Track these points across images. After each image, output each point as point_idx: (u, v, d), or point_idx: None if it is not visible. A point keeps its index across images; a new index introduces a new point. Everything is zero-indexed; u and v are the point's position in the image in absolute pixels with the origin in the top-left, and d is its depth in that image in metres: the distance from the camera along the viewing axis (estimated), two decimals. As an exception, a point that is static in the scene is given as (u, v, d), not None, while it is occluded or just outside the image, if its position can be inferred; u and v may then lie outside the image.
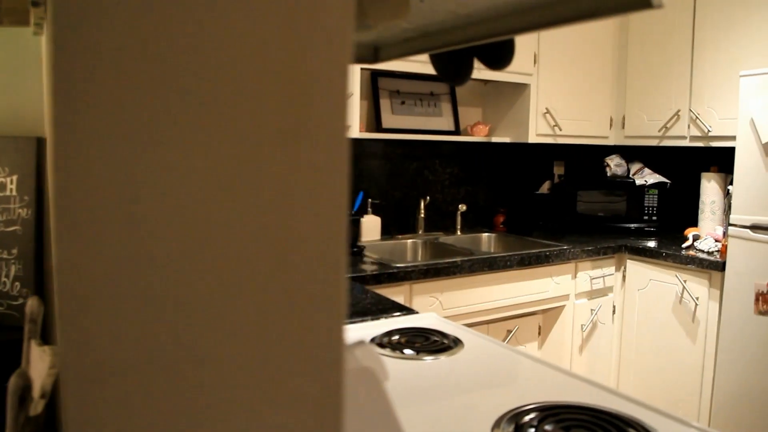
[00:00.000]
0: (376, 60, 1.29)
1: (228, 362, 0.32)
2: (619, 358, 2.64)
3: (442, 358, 1.20)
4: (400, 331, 1.35)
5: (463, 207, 2.75)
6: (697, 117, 2.57)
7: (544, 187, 3.02)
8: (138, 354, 0.30)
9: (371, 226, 2.52)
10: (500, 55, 1.02)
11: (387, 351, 1.25)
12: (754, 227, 2.05)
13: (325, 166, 0.32)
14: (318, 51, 0.32)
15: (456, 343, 1.28)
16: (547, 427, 0.90)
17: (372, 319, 1.45)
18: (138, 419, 0.30)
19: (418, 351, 1.25)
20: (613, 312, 2.62)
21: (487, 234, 2.79)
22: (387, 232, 2.66)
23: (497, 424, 0.91)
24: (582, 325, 2.50)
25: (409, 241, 2.57)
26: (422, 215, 2.68)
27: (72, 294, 0.27)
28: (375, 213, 2.59)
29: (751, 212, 2.05)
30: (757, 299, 2.03)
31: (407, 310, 1.50)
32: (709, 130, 2.53)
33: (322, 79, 0.32)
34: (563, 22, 0.81)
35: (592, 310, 2.52)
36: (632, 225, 2.86)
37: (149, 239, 0.29)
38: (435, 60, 1.12)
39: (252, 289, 0.32)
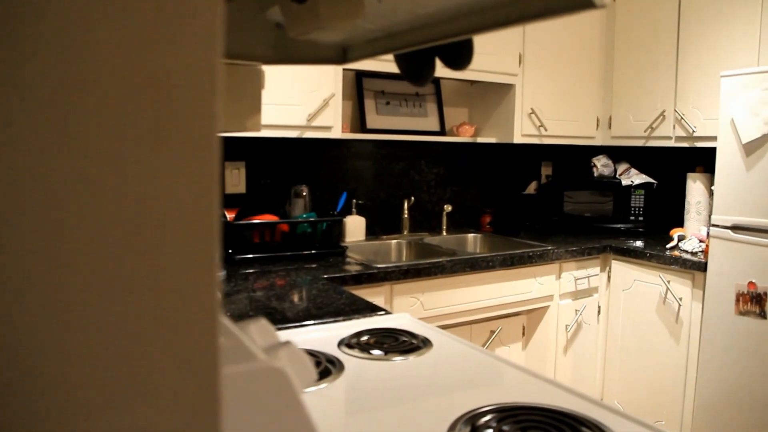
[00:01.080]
0: (344, 61, 1.29)
1: (95, 360, 0.32)
2: (605, 358, 2.64)
3: (410, 358, 1.20)
4: (369, 332, 1.35)
5: (448, 207, 2.74)
6: (682, 117, 2.57)
7: (531, 188, 3.02)
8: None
9: (355, 226, 2.52)
10: (459, 55, 1.03)
11: (355, 351, 1.25)
12: (735, 227, 2.04)
13: (191, 167, 0.32)
14: (181, 50, 0.32)
15: (425, 343, 1.28)
16: (505, 428, 0.90)
17: (344, 320, 1.45)
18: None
19: (386, 351, 1.24)
20: (598, 312, 2.62)
21: (473, 234, 2.79)
22: (372, 232, 2.66)
23: (453, 425, 0.91)
24: (566, 326, 2.49)
25: (394, 241, 2.57)
26: (405, 216, 2.68)
27: None
28: (359, 213, 2.59)
29: (732, 212, 2.05)
30: (737, 300, 2.03)
31: (380, 311, 1.49)
32: (693, 131, 2.53)
33: (185, 79, 0.32)
34: (514, 23, 0.83)
35: (576, 310, 2.52)
36: (619, 225, 2.85)
37: (4, 239, 0.29)
38: (399, 60, 1.12)
39: (119, 289, 0.32)
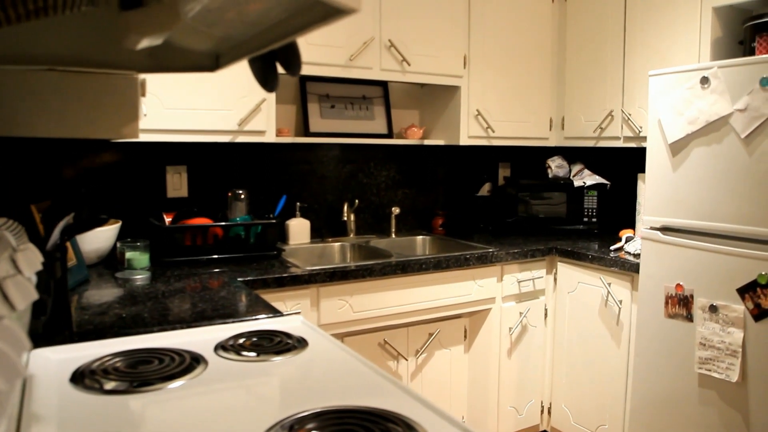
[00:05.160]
0: (217, 67, 1.32)
1: None
2: (552, 361, 2.62)
3: (277, 360, 1.21)
4: (249, 334, 1.36)
5: (396, 210, 2.74)
6: (628, 117, 2.54)
7: (485, 189, 3.00)
8: None
9: (299, 229, 2.54)
10: (289, 60, 1.05)
11: (229, 354, 1.27)
12: (665, 229, 2.02)
13: None
14: None
15: (300, 345, 1.29)
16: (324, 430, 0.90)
17: (233, 322, 1.46)
18: None
19: (258, 353, 1.26)
20: (545, 315, 2.60)
21: (421, 237, 2.79)
22: (319, 235, 2.67)
23: (269, 429, 0.91)
24: (510, 329, 2.48)
25: (337, 244, 2.58)
26: (345, 218, 2.67)
27: None
28: (305, 216, 2.61)
29: (661, 214, 2.02)
30: (666, 302, 2.00)
31: (274, 313, 1.51)
32: (639, 131, 2.50)
33: None
34: (304, 29, 0.87)
35: (520, 313, 2.50)
36: (572, 227, 2.83)
37: None
38: (251, 67, 1.15)
39: None
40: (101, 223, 1.35)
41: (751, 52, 2.11)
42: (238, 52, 1.14)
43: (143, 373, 1.15)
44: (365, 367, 1.16)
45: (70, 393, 1.07)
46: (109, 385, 1.09)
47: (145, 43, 1.00)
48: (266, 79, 1.13)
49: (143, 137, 1.99)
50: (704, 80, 1.85)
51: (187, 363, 1.19)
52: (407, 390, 1.04)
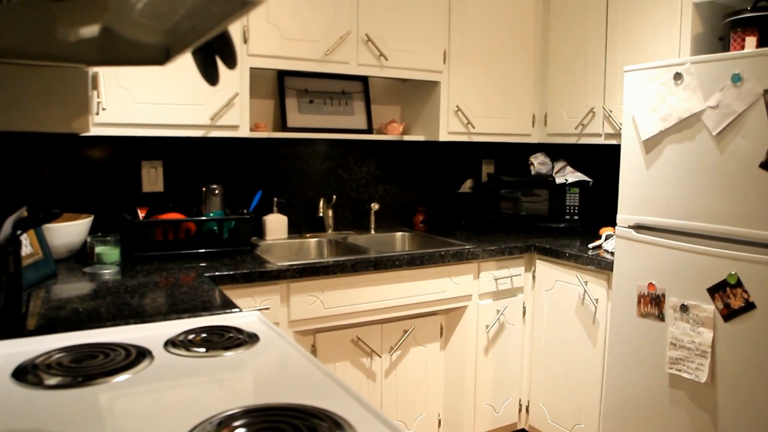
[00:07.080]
0: (167, 60, 1.31)
1: None
2: (530, 359, 2.60)
3: (224, 356, 1.20)
4: (202, 329, 1.35)
5: (375, 206, 2.73)
6: (609, 114, 2.51)
7: (466, 186, 2.98)
8: None
9: (276, 225, 2.52)
10: (224, 53, 1.05)
11: (179, 350, 1.26)
12: (638, 227, 1.99)
13: None
14: None
15: (250, 340, 1.28)
16: (242, 429, 0.89)
17: (188, 317, 1.45)
18: None
19: (207, 349, 1.25)
20: (524, 313, 2.58)
21: (401, 233, 2.77)
22: (297, 231, 2.66)
23: (197, 426, 0.90)
24: (486, 326, 2.46)
25: (314, 240, 2.56)
26: (321, 214, 2.66)
27: None
28: (282, 212, 2.59)
29: (635, 212, 1.99)
30: (639, 301, 1.97)
31: (233, 308, 1.50)
32: (620, 128, 2.47)
33: None
34: (230, 17, 0.87)
35: (497, 310, 2.48)
36: (554, 224, 2.81)
37: None
38: (194, 61, 1.14)
39: None
40: (54, 217, 1.34)
41: (730, 48, 2.08)
42: (182, 44, 1.13)
43: (87, 368, 1.14)
44: (310, 364, 1.15)
45: (10, 388, 1.06)
46: (52, 381, 1.08)
47: (77, 35, 0.99)
48: (208, 72, 1.12)
49: (113, 131, 1.98)
50: (677, 76, 1.83)
51: (133, 358, 1.18)
52: (347, 388, 1.03)
